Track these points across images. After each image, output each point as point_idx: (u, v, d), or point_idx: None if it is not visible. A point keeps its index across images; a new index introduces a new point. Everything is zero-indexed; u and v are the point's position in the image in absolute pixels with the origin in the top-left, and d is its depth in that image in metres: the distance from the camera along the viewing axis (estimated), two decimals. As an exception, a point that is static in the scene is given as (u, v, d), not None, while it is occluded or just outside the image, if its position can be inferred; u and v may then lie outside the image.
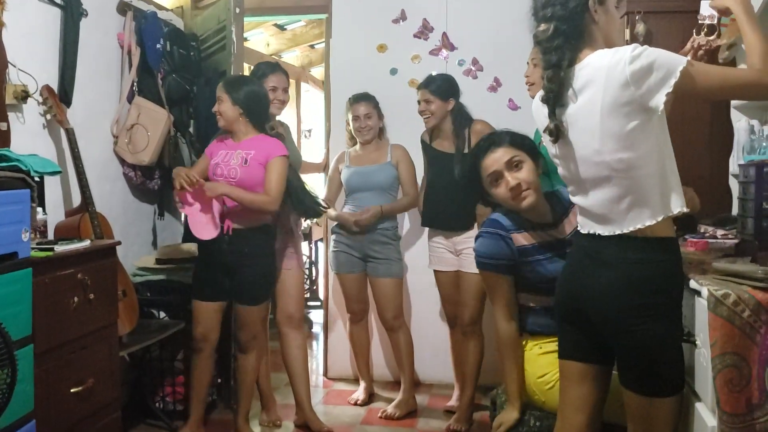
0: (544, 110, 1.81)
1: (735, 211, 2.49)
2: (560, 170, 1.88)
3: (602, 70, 1.65)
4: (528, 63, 2.78)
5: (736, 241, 2.21)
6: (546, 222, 2.31)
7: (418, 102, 3.48)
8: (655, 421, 1.73)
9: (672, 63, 1.61)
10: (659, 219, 1.69)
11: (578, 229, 1.89)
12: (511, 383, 2.32)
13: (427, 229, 3.67)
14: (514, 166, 2.23)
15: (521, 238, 2.26)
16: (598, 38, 1.75)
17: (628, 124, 1.64)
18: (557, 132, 1.74)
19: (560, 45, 1.72)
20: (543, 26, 1.76)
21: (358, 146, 3.77)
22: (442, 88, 3.44)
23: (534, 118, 1.92)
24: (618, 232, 1.72)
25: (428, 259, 3.65)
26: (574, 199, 1.86)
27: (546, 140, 1.84)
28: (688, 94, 1.65)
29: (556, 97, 1.72)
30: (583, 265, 1.82)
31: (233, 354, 3.37)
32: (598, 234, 1.77)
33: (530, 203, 2.23)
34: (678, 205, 1.70)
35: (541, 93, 1.81)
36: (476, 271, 3.37)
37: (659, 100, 1.61)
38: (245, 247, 3.07)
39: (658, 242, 1.72)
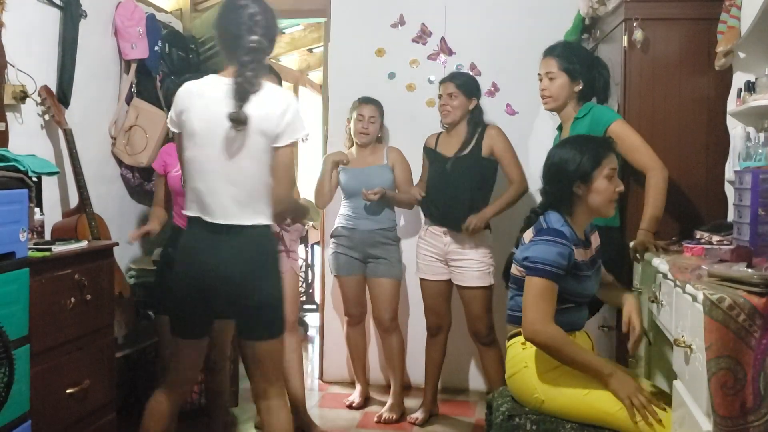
0: None
1: (731, 217, 2.49)
2: None
3: None
4: (540, 76, 2.79)
5: (731, 247, 2.22)
6: (583, 239, 2.32)
7: (439, 96, 3.44)
8: (274, 359, 2.34)
9: None
10: None
11: None
12: (592, 358, 2.17)
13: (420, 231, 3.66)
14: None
15: (578, 254, 2.24)
16: None
17: None
18: None
19: None
20: None
21: (354, 148, 3.78)
22: (468, 84, 3.42)
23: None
24: None
25: (416, 265, 3.62)
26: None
27: None
28: None
29: None
30: None
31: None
32: None
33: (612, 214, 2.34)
34: None
35: None
36: (475, 284, 3.38)
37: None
38: None
39: None
